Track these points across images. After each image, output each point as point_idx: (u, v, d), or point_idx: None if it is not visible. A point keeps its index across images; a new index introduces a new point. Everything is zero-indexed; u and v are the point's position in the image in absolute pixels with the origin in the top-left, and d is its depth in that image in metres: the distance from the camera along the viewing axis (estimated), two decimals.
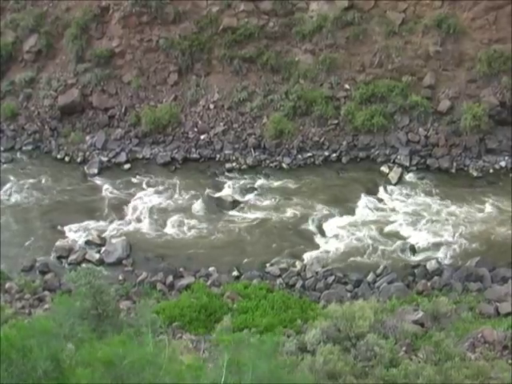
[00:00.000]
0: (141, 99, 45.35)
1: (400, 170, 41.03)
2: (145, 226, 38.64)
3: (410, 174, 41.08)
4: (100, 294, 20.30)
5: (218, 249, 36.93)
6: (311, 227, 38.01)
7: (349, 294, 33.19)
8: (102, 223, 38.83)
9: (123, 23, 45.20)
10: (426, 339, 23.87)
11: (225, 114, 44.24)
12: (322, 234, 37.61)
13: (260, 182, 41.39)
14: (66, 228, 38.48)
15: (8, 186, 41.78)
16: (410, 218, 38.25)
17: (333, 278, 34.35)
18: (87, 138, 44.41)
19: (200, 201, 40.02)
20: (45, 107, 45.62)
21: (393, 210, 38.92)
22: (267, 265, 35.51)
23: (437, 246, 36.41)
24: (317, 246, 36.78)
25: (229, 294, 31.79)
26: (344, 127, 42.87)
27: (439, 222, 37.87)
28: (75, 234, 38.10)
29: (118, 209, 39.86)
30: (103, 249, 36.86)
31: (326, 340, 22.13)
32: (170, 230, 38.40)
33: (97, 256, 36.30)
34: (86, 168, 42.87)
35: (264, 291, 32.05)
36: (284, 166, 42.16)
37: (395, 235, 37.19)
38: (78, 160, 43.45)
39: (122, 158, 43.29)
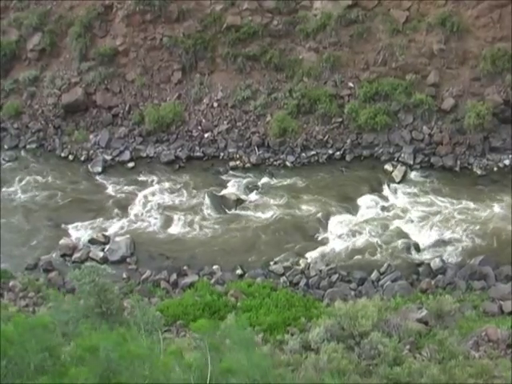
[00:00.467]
0: (144, 97, 45.38)
1: (404, 168, 40.99)
2: (149, 225, 38.68)
3: (414, 173, 41.04)
4: (104, 292, 20.36)
5: (221, 247, 36.95)
6: (315, 225, 38.00)
7: (353, 293, 33.17)
8: (105, 221, 38.87)
9: (127, 21, 45.23)
10: (430, 338, 23.85)
11: (228, 112, 44.25)
12: (326, 232, 37.60)
13: (264, 180, 41.38)
14: (69, 226, 38.55)
15: (12, 184, 41.87)
16: (414, 217, 38.22)
17: (336, 276, 34.34)
18: (91, 136, 44.45)
19: (204, 199, 40.03)
20: (49, 106, 45.68)
21: (397, 208, 38.90)
22: (271, 263, 35.52)
23: (441, 244, 36.38)
24: (321, 244, 36.77)
25: (232, 292, 31.79)
26: (348, 125, 42.85)
27: (443, 220, 37.83)
28: (79, 232, 38.17)
29: (121, 207, 39.91)
30: (107, 247, 36.91)
31: (330, 338, 22.12)
32: (173, 228, 38.44)
33: (101, 254, 36.33)
34: (89, 166, 42.92)
35: (268, 289, 32.05)
36: (288, 164, 42.16)
37: (399, 233, 37.17)
38: (82, 158, 43.50)
39: (126, 156, 43.33)
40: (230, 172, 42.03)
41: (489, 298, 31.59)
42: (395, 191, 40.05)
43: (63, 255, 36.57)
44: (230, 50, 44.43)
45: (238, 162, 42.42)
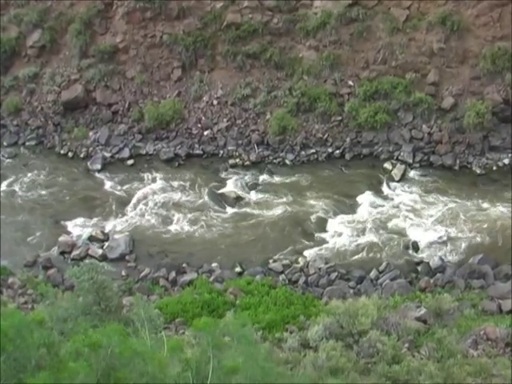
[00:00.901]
0: (144, 95, 45.38)
1: (403, 166, 41.00)
2: (148, 222, 38.67)
3: (414, 171, 41.04)
4: (103, 289, 20.37)
5: (220, 245, 36.94)
6: (314, 223, 38.00)
7: (351, 291, 33.19)
8: (105, 219, 38.85)
9: (127, 19, 45.21)
10: (429, 336, 23.88)
11: (228, 110, 44.24)
12: (325, 230, 37.60)
13: (263, 178, 41.37)
14: (68, 223, 38.54)
15: (11, 181, 41.85)
16: (413, 215, 38.22)
17: (335, 274, 34.35)
18: (90, 133, 44.45)
19: (203, 197, 40.04)
20: (48, 102, 45.66)
21: (396, 206, 38.89)
22: (270, 261, 35.52)
23: (440, 242, 36.37)
24: (320, 243, 36.78)
25: (231, 290, 31.81)
26: (347, 124, 42.84)
27: (442, 218, 37.83)
28: (78, 229, 38.15)
29: (121, 204, 39.89)
30: (106, 244, 36.92)
31: (329, 336, 22.17)
32: (172, 225, 38.42)
33: (100, 251, 36.33)
34: (89, 163, 42.90)
35: (267, 287, 32.08)
36: (287, 162, 42.15)
37: (398, 232, 37.17)
38: (82, 155, 43.49)
39: (126, 153, 43.32)
40: (230, 170, 42.02)
41: (488, 297, 31.58)
42: (394, 190, 40.04)
43: (62, 252, 36.55)
44: (229, 48, 44.43)
45: (237, 160, 42.42)
